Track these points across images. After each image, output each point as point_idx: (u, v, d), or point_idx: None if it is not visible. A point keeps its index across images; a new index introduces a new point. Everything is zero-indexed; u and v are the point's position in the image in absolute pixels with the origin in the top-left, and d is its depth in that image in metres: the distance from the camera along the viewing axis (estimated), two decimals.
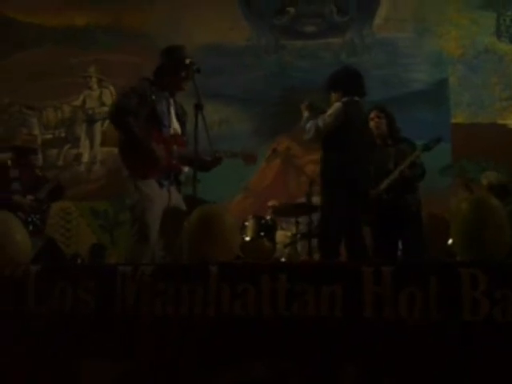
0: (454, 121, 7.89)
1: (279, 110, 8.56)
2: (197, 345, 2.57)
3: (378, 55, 8.44)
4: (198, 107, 4.21)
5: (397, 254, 5.00)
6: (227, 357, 2.53)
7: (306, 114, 5.02)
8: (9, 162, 5.74)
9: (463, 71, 8.00)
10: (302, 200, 6.19)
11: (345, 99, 4.77)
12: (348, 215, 4.61)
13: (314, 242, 6.15)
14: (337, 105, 4.78)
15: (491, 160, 7.33)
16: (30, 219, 5.44)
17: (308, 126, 4.90)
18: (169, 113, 4.34)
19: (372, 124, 5.05)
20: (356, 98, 4.82)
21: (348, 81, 4.89)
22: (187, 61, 4.27)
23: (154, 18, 8.85)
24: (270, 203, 6.95)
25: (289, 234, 6.44)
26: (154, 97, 4.23)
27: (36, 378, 2.72)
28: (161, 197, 4.20)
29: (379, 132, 5.07)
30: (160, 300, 2.64)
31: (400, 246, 5.01)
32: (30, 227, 5.30)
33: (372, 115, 5.07)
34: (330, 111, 4.79)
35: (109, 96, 8.99)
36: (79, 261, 6.90)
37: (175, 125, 4.38)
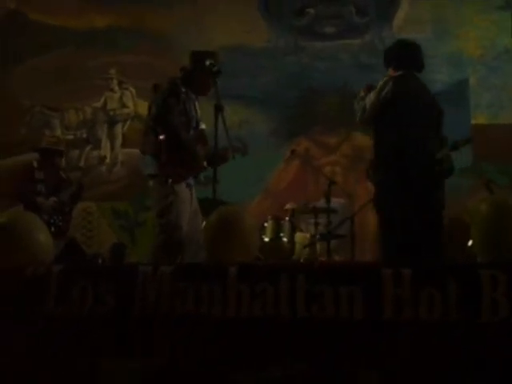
0: (473, 122, 7.84)
1: (298, 111, 8.56)
2: (215, 345, 2.58)
3: None
4: (219, 108, 4.24)
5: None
6: (246, 357, 2.54)
7: (361, 93, 4.57)
8: (34, 164, 5.80)
9: (483, 72, 7.95)
10: (321, 202, 6.20)
11: (394, 74, 4.39)
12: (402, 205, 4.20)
13: (333, 243, 6.16)
14: (383, 80, 4.39)
15: (511, 161, 7.28)
16: (52, 221, 5.49)
17: (356, 106, 4.51)
18: (196, 113, 4.38)
19: None
20: (409, 72, 4.41)
21: (399, 54, 4.49)
22: (207, 62, 4.30)
23: (174, 20, 8.88)
24: (288, 206, 6.94)
25: (308, 235, 6.43)
26: (184, 96, 4.27)
27: (56, 377, 2.74)
28: (188, 198, 4.25)
29: None
30: (179, 300, 2.65)
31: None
32: (52, 229, 5.35)
33: None
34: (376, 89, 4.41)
35: (129, 97, 9.04)
36: (100, 260, 6.94)
37: (200, 125, 4.42)
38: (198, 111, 4.44)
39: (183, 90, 4.30)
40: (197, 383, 2.58)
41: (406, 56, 4.45)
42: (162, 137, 4.12)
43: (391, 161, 4.23)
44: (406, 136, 4.21)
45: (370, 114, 4.34)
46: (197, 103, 4.45)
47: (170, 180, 4.14)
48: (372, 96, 4.32)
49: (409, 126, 4.23)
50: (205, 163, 4.38)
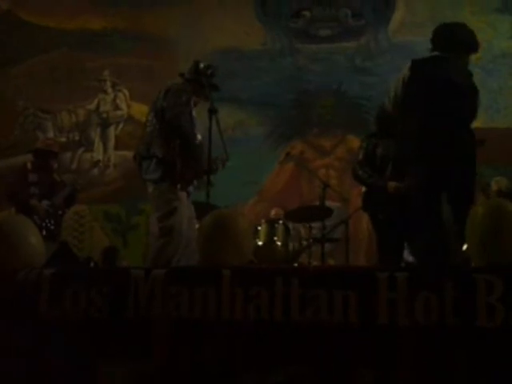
0: None
1: (293, 113, 8.57)
2: (209, 348, 2.57)
3: (394, 59, 8.40)
4: (212, 111, 4.23)
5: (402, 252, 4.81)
6: (240, 360, 2.53)
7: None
8: (28, 166, 5.76)
9: (479, 75, 7.92)
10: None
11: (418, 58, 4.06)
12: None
13: (327, 246, 6.14)
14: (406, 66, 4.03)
15: (508, 165, 7.27)
16: (44, 224, 5.46)
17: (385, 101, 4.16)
18: (195, 118, 4.39)
19: None
20: (438, 54, 4.05)
21: (436, 34, 4.13)
22: (201, 65, 4.31)
23: (170, 22, 8.88)
24: (273, 212, 6.93)
25: (302, 238, 6.42)
26: (192, 104, 4.29)
27: (50, 380, 2.73)
28: (187, 203, 4.27)
29: None
30: (173, 303, 2.64)
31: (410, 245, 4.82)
32: (44, 232, 5.31)
33: None
34: None
35: (123, 99, 9.03)
36: (92, 264, 6.93)
37: (197, 135, 4.43)
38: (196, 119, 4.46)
39: (189, 96, 4.31)
40: None
41: (437, 37, 4.13)
42: (177, 141, 4.13)
43: (415, 153, 3.92)
44: (433, 127, 3.84)
45: (394, 102, 4.05)
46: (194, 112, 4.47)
47: (179, 185, 4.15)
48: (393, 83, 4.07)
49: (435, 115, 3.86)
50: None
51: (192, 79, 4.41)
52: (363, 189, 4.79)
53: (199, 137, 4.37)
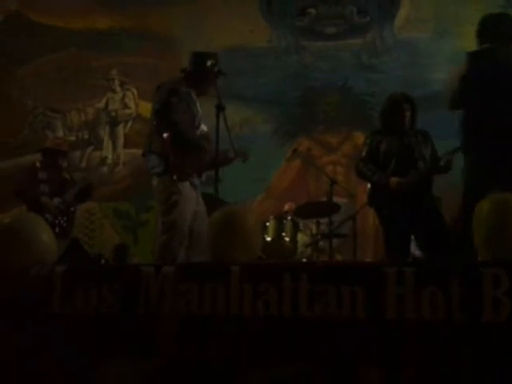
0: None
1: (300, 110, 8.59)
2: (219, 344, 2.59)
3: (399, 56, 8.42)
4: (220, 108, 4.25)
5: (409, 248, 4.83)
6: (246, 357, 2.55)
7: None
8: (37, 164, 5.81)
9: None
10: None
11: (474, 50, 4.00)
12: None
13: (335, 242, 6.16)
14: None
15: None
16: (56, 221, 5.50)
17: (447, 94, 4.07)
18: (197, 113, 4.39)
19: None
20: (492, 45, 3.99)
21: (479, 28, 4.07)
22: (209, 62, 4.32)
23: (177, 21, 8.91)
24: (286, 207, 6.96)
25: (310, 234, 6.44)
26: (186, 97, 4.29)
27: (61, 377, 2.75)
28: (193, 198, 4.26)
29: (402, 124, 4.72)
30: (183, 300, 2.65)
31: (419, 240, 4.84)
32: (57, 229, 5.35)
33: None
34: None
35: (131, 98, 9.07)
36: (103, 261, 6.97)
37: (202, 125, 4.43)
38: (200, 112, 4.45)
39: (185, 89, 4.32)
40: (201, 383, 2.59)
41: (489, 26, 4.06)
42: (165, 135, 4.13)
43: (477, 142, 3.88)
44: (492, 117, 3.81)
45: (453, 93, 3.96)
46: (198, 104, 4.46)
47: (175, 176, 4.15)
48: (452, 73, 4.00)
49: (491, 106, 3.82)
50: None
51: (192, 71, 4.42)
52: (368, 185, 4.81)
53: (204, 129, 4.38)
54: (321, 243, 6.31)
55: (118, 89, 9.14)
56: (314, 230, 6.30)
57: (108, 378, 2.69)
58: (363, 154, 4.78)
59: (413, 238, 4.83)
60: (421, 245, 4.83)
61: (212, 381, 2.57)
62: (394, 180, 4.56)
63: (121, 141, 9.01)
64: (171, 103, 4.13)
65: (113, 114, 9.11)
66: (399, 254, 4.45)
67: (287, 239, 6.06)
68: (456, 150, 4.48)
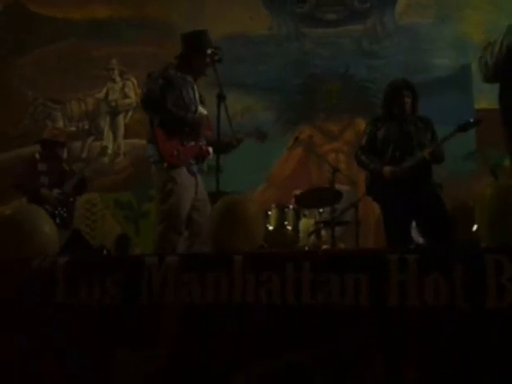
0: (477, 106, 7.81)
1: (301, 98, 8.56)
2: (222, 333, 2.59)
3: (400, 42, 8.38)
4: (221, 97, 4.23)
5: (410, 235, 4.84)
6: (252, 345, 2.55)
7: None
8: (37, 156, 5.81)
9: None
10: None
11: None
12: None
13: (338, 230, 6.15)
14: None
15: None
16: (56, 212, 5.51)
17: (480, 66, 3.80)
18: (194, 97, 4.36)
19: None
20: None
21: None
22: (209, 51, 4.30)
23: (176, 9, 8.86)
24: (296, 192, 6.94)
25: (312, 222, 6.43)
26: (180, 81, 4.26)
27: (64, 368, 2.76)
28: (191, 185, 4.24)
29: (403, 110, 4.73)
30: (186, 290, 2.66)
31: (420, 227, 4.84)
32: (57, 220, 5.37)
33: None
34: None
35: (131, 88, 9.04)
36: (105, 252, 6.97)
37: (201, 109, 4.40)
38: (197, 95, 4.42)
39: (178, 74, 4.28)
40: (205, 373, 2.59)
41: None
42: (155, 123, 4.14)
43: None
44: None
45: (493, 68, 3.68)
46: (195, 86, 4.43)
47: (165, 164, 4.14)
48: (495, 47, 3.62)
49: None
50: (210, 150, 4.38)
51: (184, 53, 4.40)
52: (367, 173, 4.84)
53: (203, 112, 4.35)
54: (323, 232, 6.29)
55: (118, 78, 9.11)
56: (317, 218, 6.29)
57: (111, 369, 2.70)
58: (363, 142, 4.83)
59: (415, 224, 4.85)
60: (422, 231, 4.83)
61: (215, 370, 2.57)
62: (387, 169, 4.61)
63: (121, 131, 8.99)
64: (158, 88, 4.11)
65: (113, 103, 9.09)
66: (399, 242, 4.46)
67: (289, 228, 6.05)
68: (447, 138, 4.51)
